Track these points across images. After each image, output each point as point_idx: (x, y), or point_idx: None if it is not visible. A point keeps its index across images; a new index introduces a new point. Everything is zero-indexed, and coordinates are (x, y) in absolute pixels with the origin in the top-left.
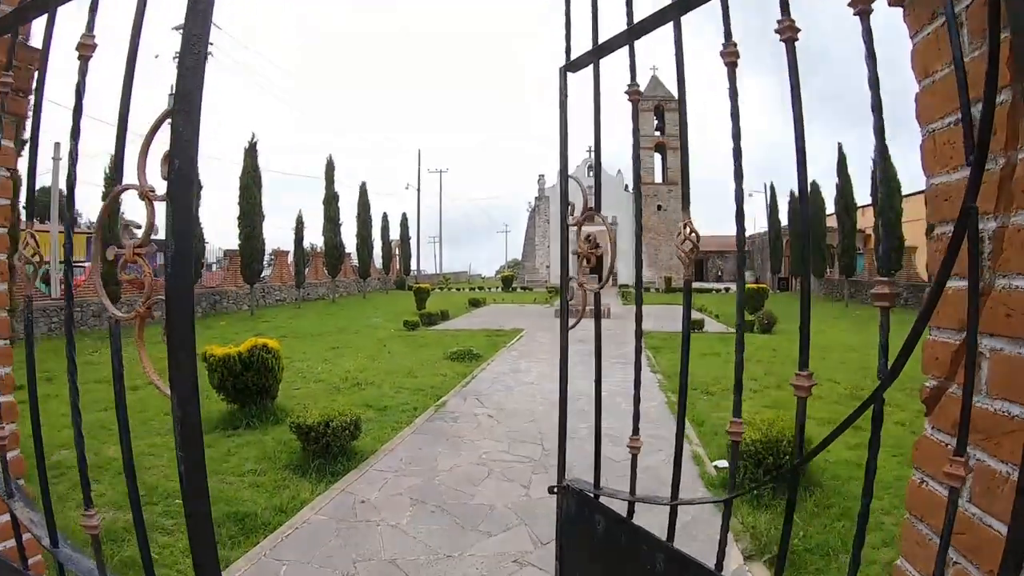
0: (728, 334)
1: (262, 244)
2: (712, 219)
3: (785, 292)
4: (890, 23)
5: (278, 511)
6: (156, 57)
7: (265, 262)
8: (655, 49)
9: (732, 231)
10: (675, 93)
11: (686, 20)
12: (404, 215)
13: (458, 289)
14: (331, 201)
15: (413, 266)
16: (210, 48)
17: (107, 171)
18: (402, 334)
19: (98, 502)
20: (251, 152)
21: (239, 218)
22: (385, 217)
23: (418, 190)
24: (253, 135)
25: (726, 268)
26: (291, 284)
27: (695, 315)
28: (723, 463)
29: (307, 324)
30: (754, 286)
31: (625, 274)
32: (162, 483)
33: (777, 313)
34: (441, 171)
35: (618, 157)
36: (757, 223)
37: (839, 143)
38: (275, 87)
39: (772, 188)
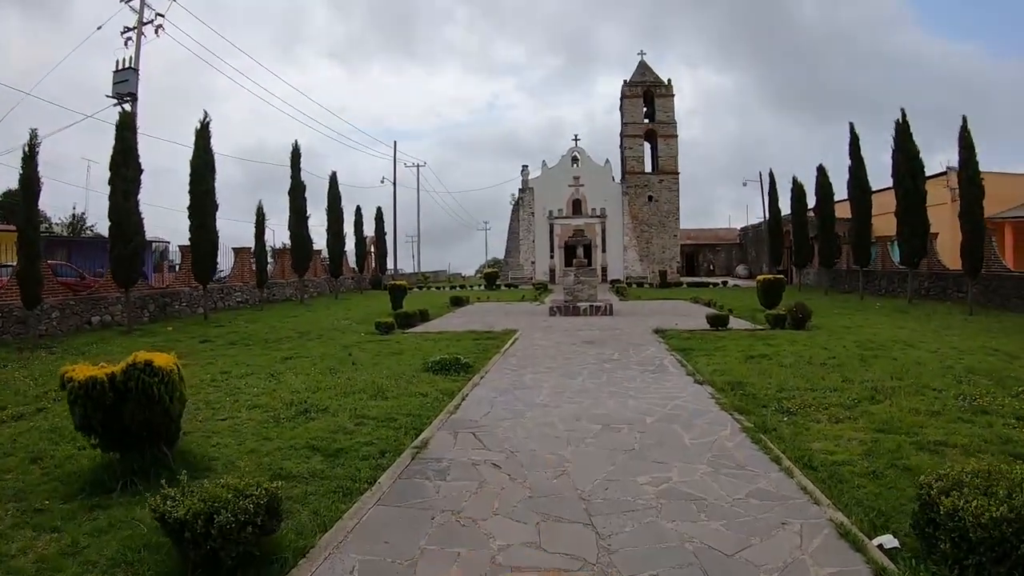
0: (761, 331)
1: (215, 238)
2: (702, 212)
3: (788, 286)
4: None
5: None
6: (99, 28)
7: (228, 261)
8: (643, 30)
9: (723, 224)
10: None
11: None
12: (379, 209)
13: (438, 288)
14: (297, 191)
15: (390, 264)
16: (160, 20)
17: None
18: (373, 339)
19: None
20: (203, 133)
21: (189, 208)
22: (358, 211)
23: (394, 183)
24: (205, 114)
25: (717, 261)
26: (254, 284)
27: (716, 312)
28: (891, 540)
29: (264, 328)
30: (771, 277)
31: (616, 269)
32: None
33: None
34: (419, 165)
35: (605, 146)
36: (751, 213)
37: (851, 123)
38: (233, 68)
39: (772, 175)
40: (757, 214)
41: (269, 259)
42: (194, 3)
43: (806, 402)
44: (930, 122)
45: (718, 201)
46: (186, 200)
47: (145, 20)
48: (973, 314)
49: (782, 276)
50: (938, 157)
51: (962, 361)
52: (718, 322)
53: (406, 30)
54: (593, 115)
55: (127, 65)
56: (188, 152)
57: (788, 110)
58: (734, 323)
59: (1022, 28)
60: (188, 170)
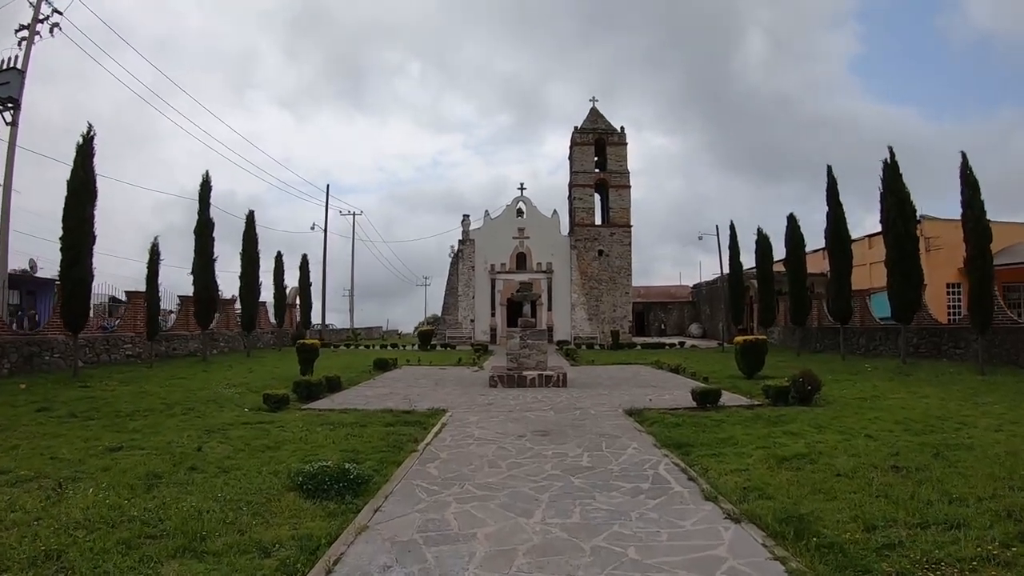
0: (763, 408)
1: (89, 276)
2: (642, 271)
3: None
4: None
5: None
6: None
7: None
8: (593, 92)
9: (674, 281)
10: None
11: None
12: (304, 257)
13: (367, 346)
14: (204, 229)
15: (316, 319)
16: (56, 19)
17: None
18: (254, 418)
19: None
20: (84, 149)
21: (61, 239)
22: (279, 257)
23: (325, 230)
24: (90, 127)
25: (669, 321)
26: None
27: (697, 384)
28: None
29: (131, 394)
30: (751, 338)
31: (563, 328)
32: None
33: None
34: (354, 213)
35: (551, 204)
36: (704, 269)
37: (828, 166)
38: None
39: (732, 227)
40: (709, 270)
41: (174, 307)
42: (143, 43)
43: (929, 555)
44: (868, 181)
45: (659, 260)
46: (119, 239)
47: (41, 16)
48: (985, 374)
49: (764, 338)
50: (878, 216)
51: None
52: (707, 398)
53: (357, 81)
54: (539, 174)
55: (11, 65)
56: (122, 189)
57: (731, 171)
58: (730, 398)
59: (951, 92)
60: (114, 206)
